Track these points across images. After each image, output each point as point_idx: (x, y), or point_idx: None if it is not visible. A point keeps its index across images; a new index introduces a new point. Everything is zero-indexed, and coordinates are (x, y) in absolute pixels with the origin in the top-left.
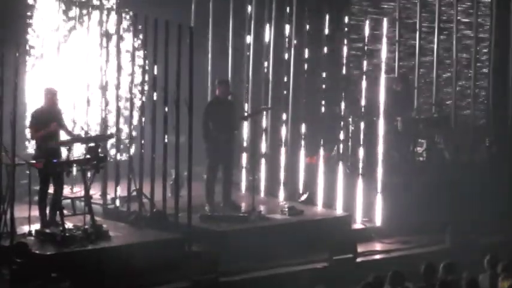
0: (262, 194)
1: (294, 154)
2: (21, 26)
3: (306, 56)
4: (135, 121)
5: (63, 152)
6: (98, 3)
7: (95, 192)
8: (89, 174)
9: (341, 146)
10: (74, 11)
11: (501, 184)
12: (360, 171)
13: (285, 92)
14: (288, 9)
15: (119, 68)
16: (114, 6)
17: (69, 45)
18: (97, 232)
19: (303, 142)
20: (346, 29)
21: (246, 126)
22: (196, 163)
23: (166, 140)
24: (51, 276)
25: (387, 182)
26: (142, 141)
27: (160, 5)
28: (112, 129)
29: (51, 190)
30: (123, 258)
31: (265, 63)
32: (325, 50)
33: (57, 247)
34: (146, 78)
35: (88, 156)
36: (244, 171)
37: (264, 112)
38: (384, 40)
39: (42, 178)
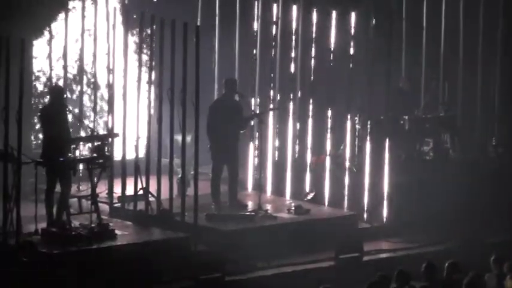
0: (268, 193)
1: (300, 153)
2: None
3: (313, 53)
4: (142, 120)
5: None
6: None
7: (102, 191)
8: (95, 173)
9: (348, 145)
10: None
11: (508, 183)
12: (366, 170)
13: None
14: (295, 8)
15: (126, 67)
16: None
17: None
18: (103, 231)
19: (309, 141)
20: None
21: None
22: (203, 162)
23: (173, 139)
24: None
25: (393, 181)
26: (150, 141)
27: (166, 3)
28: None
29: (58, 189)
30: (129, 257)
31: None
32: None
33: (64, 246)
34: (153, 77)
35: (94, 154)
36: (250, 170)
37: (271, 112)
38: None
39: (49, 177)
